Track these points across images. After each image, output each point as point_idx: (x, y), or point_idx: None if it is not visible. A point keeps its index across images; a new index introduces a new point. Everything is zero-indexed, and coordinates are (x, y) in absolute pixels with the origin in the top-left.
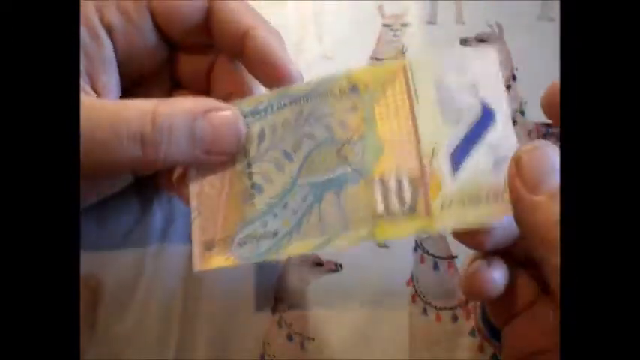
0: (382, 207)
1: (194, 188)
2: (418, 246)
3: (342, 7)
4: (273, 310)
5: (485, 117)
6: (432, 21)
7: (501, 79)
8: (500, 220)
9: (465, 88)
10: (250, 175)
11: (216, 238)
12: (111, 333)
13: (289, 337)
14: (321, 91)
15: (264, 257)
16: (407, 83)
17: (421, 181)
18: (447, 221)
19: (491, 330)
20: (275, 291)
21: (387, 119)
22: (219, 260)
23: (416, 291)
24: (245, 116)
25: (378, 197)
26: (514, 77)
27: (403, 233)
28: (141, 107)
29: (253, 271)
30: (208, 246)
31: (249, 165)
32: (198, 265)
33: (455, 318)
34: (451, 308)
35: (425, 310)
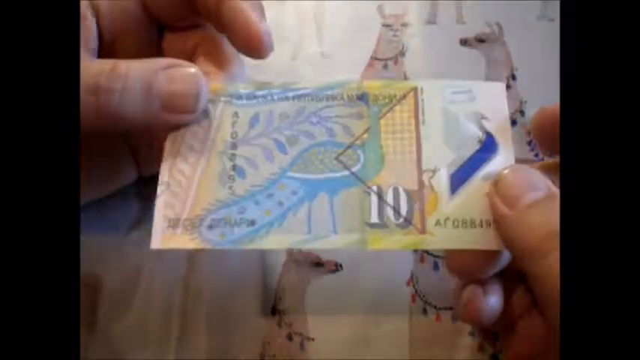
0: (376, 216)
1: (166, 161)
2: None
3: (342, 7)
4: (273, 310)
5: (488, 147)
6: (432, 21)
7: (507, 113)
8: (489, 246)
9: (471, 117)
10: (233, 157)
11: (183, 216)
12: (111, 333)
13: (289, 337)
14: (330, 94)
15: (236, 245)
16: (416, 104)
17: (418, 196)
18: (440, 240)
19: (491, 330)
20: (275, 291)
21: (392, 134)
22: (182, 241)
23: (416, 291)
24: (239, 98)
25: (374, 206)
26: (514, 77)
27: (395, 246)
28: (102, 61)
29: (253, 271)
30: (172, 224)
31: (234, 146)
32: (157, 243)
33: (455, 318)
34: (451, 308)
35: (425, 310)
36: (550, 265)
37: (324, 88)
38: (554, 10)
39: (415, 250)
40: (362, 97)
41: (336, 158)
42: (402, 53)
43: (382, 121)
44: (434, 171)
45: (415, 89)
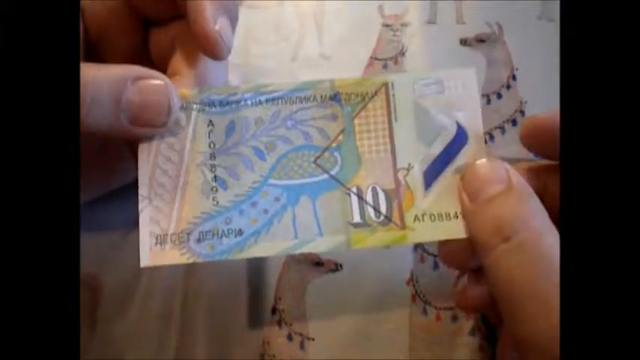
0: (358, 216)
1: (144, 173)
2: (418, 246)
3: (342, 7)
4: (273, 310)
5: (459, 138)
6: (432, 21)
7: (478, 99)
8: (461, 236)
9: (442, 109)
10: (213, 168)
11: (170, 231)
12: (111, 333)
13: (289, 337)
14: (302, 95)
15: (227, 256)
16: (387, 100)
17: (395, 194)
18: (420, 234)
19: (491, 329)
20: (275, 291)
21: (367, 133)
22: (172, 256)
23: (416, 291)
24: (212, 105)
25: (355, 207)
26: (514, 77)
27: (379, 243)
28: None
29: (253, 271)
30: (160, 240)
31: (212, 156)
32: (146, 261)
33: (455, 318)
34: (451, 308)
35: (425, 310)
36: (494, 258)
37: (296, 89)
38: (554, 10)
39: (415, 250)
40: (335, 97)
41: (315, 162)
42: (402, 53)
43: (356, 121)
44: (408, 169)
45: (386, 84)
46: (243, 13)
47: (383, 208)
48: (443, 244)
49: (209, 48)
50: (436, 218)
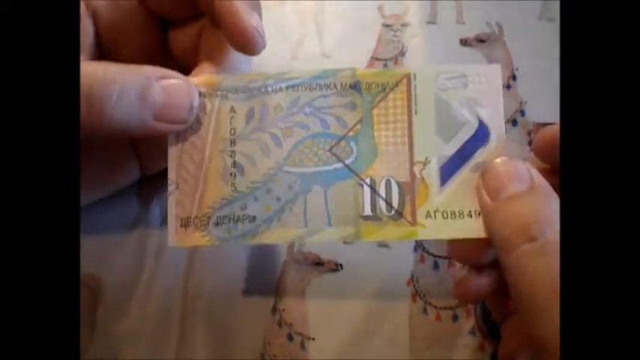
0: (369, 209)
1: (172, 160)
2: (418, 246)
3: (342, 7)
4: (273, 310)
5: (480, 134)
6: (432, 21)
7: (501, 97)
8: (479, 235)
9: (464, 104)
10: (233, 154)
11: (193, 215)
12: (111, 333)
13: (289, 337)
14: (323, 82)
15: (240, 241)
16: (408, 92)
17: (410, 188)
18: (431, 231)
19: (491, 329)
20: (275, 291)
21: (385, 124)
22: (196, 239)
23: (416, 291)
24: (235, 92)
25: (367, 198)
26: (514, 77)
27: (387, 237)
28: (92, 65)
29: (253, 271)
30: (185, 222)
31: (233, 143)
32: (174, 242)
33: (455, 317)
34: (451, 308)
35: (425, 310)
36: (518, 257)
37: (317, 77)
38: (554, 10)
39: (415, 250)
40: (355, 86)
41: (330, 150)
42: (402, 53)
43: (375, 111)
44: (425, 163)
45: (408, 76)
46: None
47: (395, 202)
48: (454, 240)
49: (247, 43)
50: (449, 216)
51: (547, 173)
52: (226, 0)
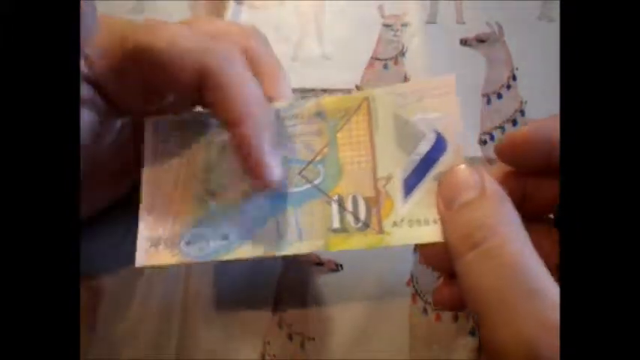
0: (337, 223)
1: (146, 184)
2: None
3: (342, 7)
4: (274, 310)
5: (438, 145)
6: (432, 21)
7: (457, 106)
8: (440, 240)
9: (420, 118)
10: (206, 180)
11: (164, 235)
12: (111, 333)
13: (289, 337)
14: (291, 113)
15: (211, 258)
16: (369, 113)
17: (375, 202)
18: (397, 238)
19: None
20: (275, 291)
21: (349, 145)
22: (164, 257)
23: (416, 291)
24: (210, 126)
25: (335, 214)
26: (514, 77)
27: (355, 246)
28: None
29: (253, 272)
30: (154, 242)
31: (207, 171)
32: (141, 261)
33: (455, 318)
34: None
35: (425, 310)
36: (464, 265)
37: (287, 108)
38: (554, 10)
39: (415, 250)
40: (320, 114)
41: (299, 174)
42: (402, 53)
43: (339, 135)
44: (388, 178)
45: (367, 99)
46: (243, 13)
47: (362, 215)
48: (423, 246)
49: (258, 178)
50: (414, 223)
51: (512, 177)
52: (240, 137)
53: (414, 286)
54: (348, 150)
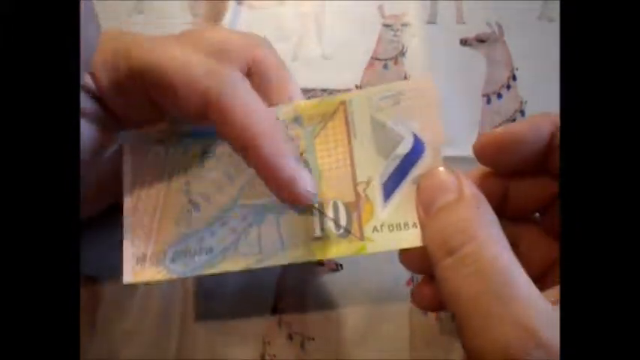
0: (319, 230)
1: (128, 203)
2: None
3: (342, 7)
4: (274, 310)
5: (416, 149)
6: (432, 21)
7: (436, 107)
8: (421, 244)
9: (398, 121)
10: (188, 192)
11: (149, 252)
12: (111, 333)
13: (289, 337)
14: None
15: (197, 272)
16: (345, 118)
17: (355, 207)
18: (378, 244)
19: None
20: (275, 291)
21: (327, 151)
22: (150, 274)
23: None
24: (188, 136)
25: (316, 221)
26: (514, 77)
27: (338, 254)
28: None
29: (253, 271)
30: (139, 260)
31: (188, 182)
32: (128, 278)
33: (455, 318)
34: None
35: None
36: (441, 271)
37: None
38: (554, 10)
39: None
40: (297, 120)
41: None
42: (402, 53)
43: (317, 140)
44: (367, 182)
45: (344, 103)
46: (243, 13)
47: (343, 221)
48: (403, 250)
49: (284, 194)
50: (394, 228)
51: (493, 177)
52: (255, 158)
53: (413, 286)
54: (326, 156)
